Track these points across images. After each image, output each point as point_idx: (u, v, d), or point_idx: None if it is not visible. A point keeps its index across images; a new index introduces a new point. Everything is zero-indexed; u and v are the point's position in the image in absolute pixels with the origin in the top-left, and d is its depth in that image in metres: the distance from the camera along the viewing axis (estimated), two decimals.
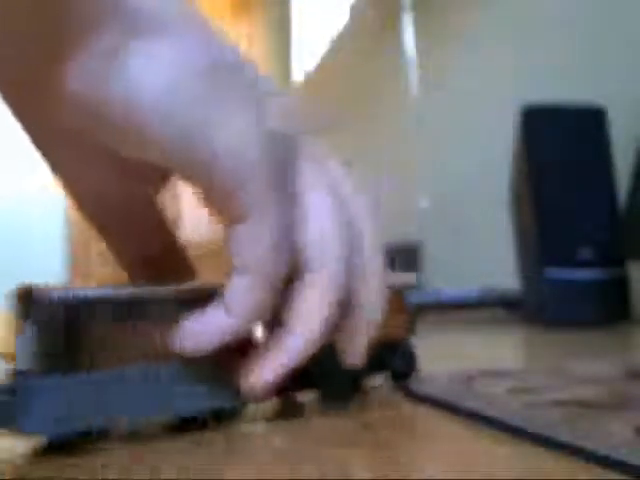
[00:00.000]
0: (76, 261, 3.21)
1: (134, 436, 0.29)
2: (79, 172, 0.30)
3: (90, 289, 0.27)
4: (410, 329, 0.38)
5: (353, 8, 2.24)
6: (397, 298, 0.37)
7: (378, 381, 0.38)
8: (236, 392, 0.29)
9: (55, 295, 0.26)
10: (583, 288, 0.77)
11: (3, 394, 0.25)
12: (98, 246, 3.14)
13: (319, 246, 0.29)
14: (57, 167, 0.30)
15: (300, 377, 0.31)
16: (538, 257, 0.79)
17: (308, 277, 0.29)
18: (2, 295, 0.37)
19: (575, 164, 0.81)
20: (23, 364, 0.26)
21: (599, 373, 0.38)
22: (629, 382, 0.35)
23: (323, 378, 0.34)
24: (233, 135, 0.26)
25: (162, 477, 0.22)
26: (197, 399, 0.29)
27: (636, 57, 0.92)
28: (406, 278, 0.38)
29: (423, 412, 0.32)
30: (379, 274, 0.30)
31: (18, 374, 0.26)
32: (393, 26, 1.84)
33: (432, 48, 1.64)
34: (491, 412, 0.28)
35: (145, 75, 0.25)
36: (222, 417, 0.30)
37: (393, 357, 0.37)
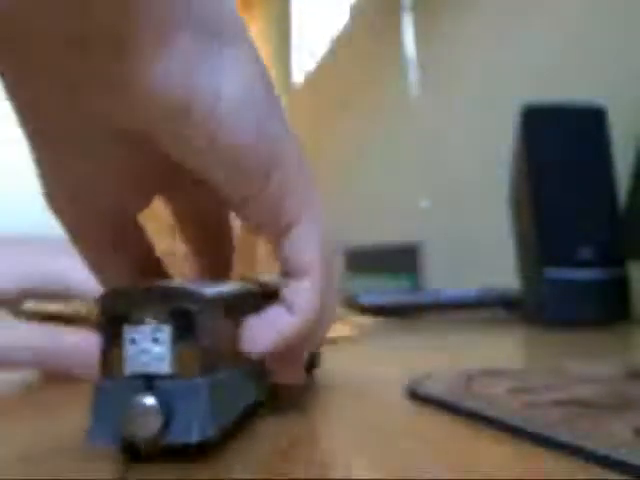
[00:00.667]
0: None
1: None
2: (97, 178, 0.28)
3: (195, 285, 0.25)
4: None
5: (353, 8, 2.24)
6: None
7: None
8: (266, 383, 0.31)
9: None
10: (583, 288, 0.77)
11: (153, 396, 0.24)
12: None
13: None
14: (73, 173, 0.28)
15: None
16: (538, 257, 0.79)
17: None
18: None
19: (575, 164, 0.81)
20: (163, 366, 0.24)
21: (599, 373, 0.38)
22: (629, 382, 0.35)
23: None
24: (293, 148, 0.28)
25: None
26: (257, 392, 0.31)
27: (636, 57, 0.92)
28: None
29: (423, 412, 0.32)
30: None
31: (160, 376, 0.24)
32: (393, 26, 1.84)
33: (432, 48, 1.64)
34: (491, 412, 0.28)
35: (228, 82, 0.26)
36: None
37: None
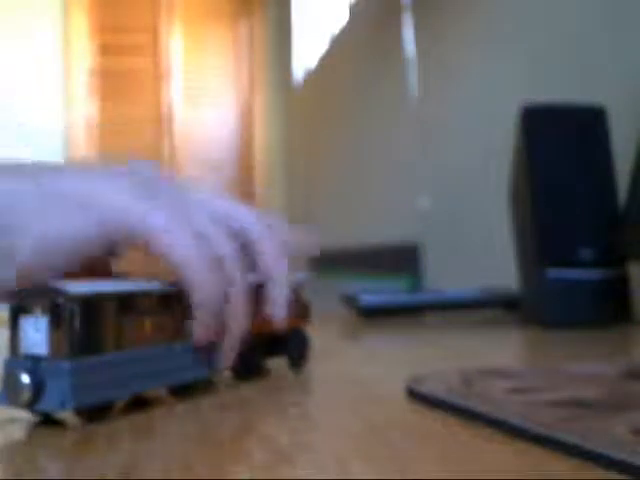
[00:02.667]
0: None
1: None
2: None
3: (96, 285, 0.32)
4: (305, 319, 0.47)
5: (353, 8, 2.24)
6: (294, 292, 0.46)
7: (277, 364, 0.47)
8: (210, 365, 0.38)
9: (72, 289, 0.31)
10: (583, 288, 0.77)
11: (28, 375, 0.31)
12: None
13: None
14: None
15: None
16: (538, 257, 0.79)
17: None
18: None
19: (575, 164, 0.81)
20: (37, 348, 0.31)
21: (599, 373, 0.38)
22: (629, 382, 0.35)
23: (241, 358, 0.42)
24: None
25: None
26: (182, 372, 0.37)
27: (636, 57, 0.92)
28: (301, 276, 0.46)
29: (423, 412, 0.32)
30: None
31: (37, 358, 0.31)
32: (393, 26, 1.84)
33: (432, 48, 1.64)
34: (491, 412, 0.28)
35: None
36: (199, 387, 0.39)
37: (290, 343, 0.46)
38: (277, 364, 0.49)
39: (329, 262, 2.44)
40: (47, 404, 0.31)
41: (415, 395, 0.35)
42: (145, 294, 0.35)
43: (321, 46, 2.64)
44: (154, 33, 3.44)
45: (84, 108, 3.34)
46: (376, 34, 2.02)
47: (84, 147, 3.26)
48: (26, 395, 0.31)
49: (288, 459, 0.25)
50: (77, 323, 0.31)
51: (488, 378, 0.37)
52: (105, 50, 3.39)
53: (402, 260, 1.72)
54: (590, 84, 1.02)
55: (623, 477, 0.21)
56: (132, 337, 0.34)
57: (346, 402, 0.35)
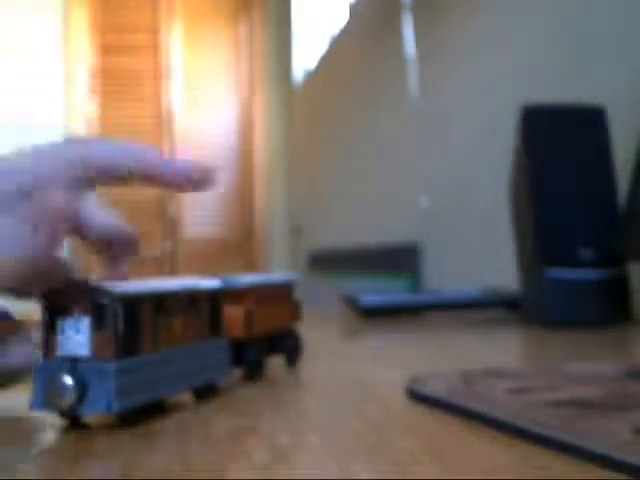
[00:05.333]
0: (76, 259, 3.21)
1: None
2: None
3: (132, 285, 0.32)
4: (296, 317, 0.48)
5: (353, 8, 2.24)
6: (285, 291, 0.46)
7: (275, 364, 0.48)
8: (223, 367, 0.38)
9: (114, 289, 0.31)
10: (583, 288, 0.77)
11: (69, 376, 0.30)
12: None
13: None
14: None
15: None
16: (538, 257, 0.79)
17: None
18: None
19: (575, 164, 0.81)
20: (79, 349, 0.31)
21: (599, 373, 0.38)
22: (629, 382, 0.35)
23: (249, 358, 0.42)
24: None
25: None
26: (208, 373, 0.37)
27: (636, 57, 0.92)
28: (285, 276, 0.47)
29: (423, 412, 0.32)
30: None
31: (81, 360, 0.31)
32: (393, 26, 1.84)
33: (432, 48, 1.64)
34: (491, 412, 0.28)
35: None
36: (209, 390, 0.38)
37: (284, 342, 0.46)
38: (276, 364, 0.49)
39: (329, 262, 2.44)
40: (92, 407, 0.30)
41: (415, 395, 0.35)
42: (177, 294, 0.35)
43: (321, 46, 2.64)
44: (154, 33, 3.45)
45: (84, 108, 3.34)
46: (376, 34, 2.02)
47: None
48: (69, 398, 0.29)
49: (288, 459, 0.25)
50: (121, 324, 0.30)
51: (488, 378, 0.37)
52: (105, 50, 3.39)
53: (402, 260, 1.72)
54: (590, 84, 1.02)
55: (623, 477, 0.21)
56: (165, 337, 0.34)
57: (346, 402, 0.35)
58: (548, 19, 1.17)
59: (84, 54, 3.37)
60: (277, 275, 0.46)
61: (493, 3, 1.37)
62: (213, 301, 0.38)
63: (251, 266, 3.39)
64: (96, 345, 0.30)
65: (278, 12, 3.43)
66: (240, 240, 3.42)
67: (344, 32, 2.35)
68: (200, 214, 3.31)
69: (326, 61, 2.58)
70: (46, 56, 3.31)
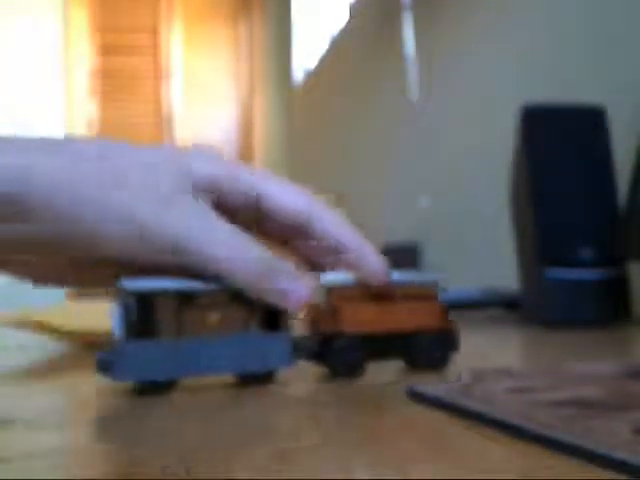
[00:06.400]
0: None
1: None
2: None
3: (159, 281, 0.37)
4: (444, 319, 0.45)
5: (353, 8, 2.24)
6: (430, 292, 0.44)
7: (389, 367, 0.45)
8: (271, 358, 0.40)
9: (132, 285, 0.36)
10: (583, 288, 0.77)
11: (105, 353, 0.37)
12: None
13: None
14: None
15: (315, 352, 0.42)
16: (538, 257, 0.79)
17: None
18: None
19: (575, 164, 0.81)
20: (118, 332, 0.37)
21: (599, 373, 0.38)
22: (629, 382, 0.35)
23: (333, 354, 0.42)
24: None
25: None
26: (244, 362, 0.39)
27: (636, 57, 0.92)
28: (435, 276, 0.45)
29: (423, 412, 0.32)
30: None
31: (115, 340, 0.37)
32: (393, 26, 1.84)
33: (432, 48, 1.64)
34: (491, 412, 0.28)
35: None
36: (258, 379, 0.40)
37: (413, 344, 0.44)
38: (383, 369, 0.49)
39: None
40: (114, 377, 0.37)
41: (415, 395, 0.35)
42: (210, 291, 0.38)
43: (321, 46, 2.64)
44: (154, 33, 3.45)
45: (84, 108, 3.34)
46: (376, 34, 2.02)
47: None
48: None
49: (288, 459, 0.25)
50: (134, 315, 0.36)
51: (488, 378, 0.37)
52: (105, 50, 3.39)
53: (402, 260, 1.72)
54: (590, 84, 1.02)
55: (623, 477, 0.21)
56: (192, 328, 0.38)
57: (346, 402, 0.35)
58: (548, 19, 1.17)
59: (84, 54, 3.37)
60: (413, 274, 0.45)
61: (493, 3, 1.37)
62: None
63: None
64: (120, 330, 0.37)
65: (278, 12, 3.43)
66: None
67: (344, 32, 2.35)
68: None
69: (326, 61, 2.58)
70: (46, 56, 3.31)
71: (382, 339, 0.43)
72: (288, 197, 0.40)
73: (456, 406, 0.31)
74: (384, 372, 0.45)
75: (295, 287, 0.37)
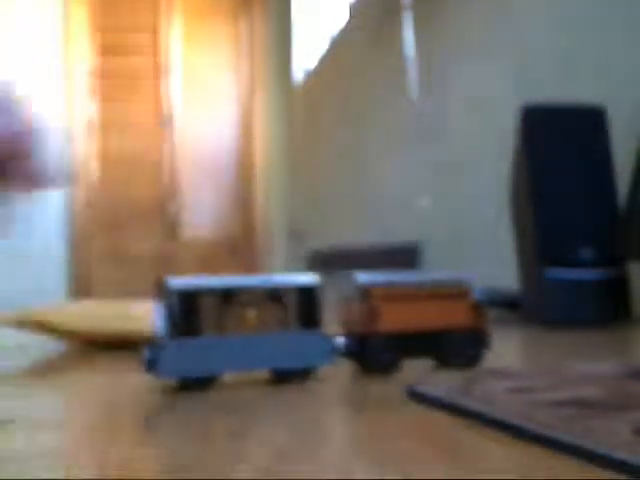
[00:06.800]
0: (76, 259, 3.21)
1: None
2: None
3: (200, 279, 0.39)
4: (476, 318, 0.46)
5: (353, 8, 2.24)
6: (462, 291, 0.46)
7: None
8: (307, 357, 0.41)
9: (175, 284, 0.38)
10: (583, 288, 0.77)
11: (151, 351, 0.38)
12: (98, 245, 3.13)
13: None
14: None
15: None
16: (538, 257, 0.79)
17: None
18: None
19: (575, 164, 0.81)
20: (162, 331, 0.38)
21: (599, 373, 0.38)
22: (629, 382, 0.35)
23: (370, 353, 0.43)
24: None
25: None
26: (283, 360, 0.40)
27: (636, 57, 0.92)
28: (467, 275, 0.48)
29: (424, 412, 0.32)
30: None
31: (158, 338, 0.38)
32: (393, 26, 1.84)
33: (432, 48, 1.64)
34: (491, 412, 0.28)
35: None
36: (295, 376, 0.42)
37: (460, 343, 0.45)
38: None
39: (329, 262, 2.44)
40: (158, 373, 0.39)
41: (415, 395, 0.35)
42: (252, 288, 0.40)
43: (321, 46, 2.64)
44: (154, 32, 3.45)
45: (84, 108, 3.34)
46: (376, 34, 2.02)
47: (84, 146, 3.26)
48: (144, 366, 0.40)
49: (288, 459, 0.25)
50: (177, 313, 0.39)
51: (488, 378, 0.37)
52: (105, 50, 3.39)
53: (402, 260, 1.71)
54: (590, 84, 1.02)
55: (623, 477, 0.21)
56: (234, 325, 0.40)
57: (346, 402, 0.35)
58: (548, 19, 1.17)
59: (84, 54, 3.37)
60: (445, 274, 0.46)
61: (493, 4, 1.37)
62: (305, 296, 0.41)
63: (251, 266, 3.39)
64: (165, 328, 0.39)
65: (278, 11, 3.43)
66: (240, 240, 3.42)
67: (344, 32, 2.34)
68: (200, 214, 3.31)
69: (326, 61, 2.58)
70: (46, 56, 3.31)
71: (415, 338, 0.44)
72: None
73: (456, 406, 0.31)
74: (415, 370, 0.45)
75: None
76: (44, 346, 0.65)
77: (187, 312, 0.38)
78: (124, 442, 0.28)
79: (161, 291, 0.38)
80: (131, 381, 0.42)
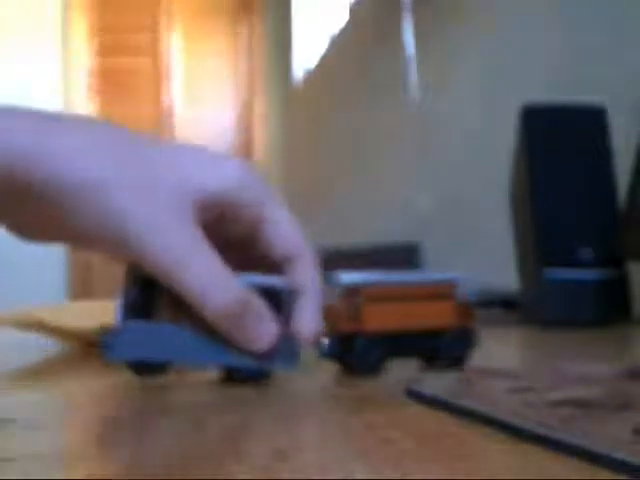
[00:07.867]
0: (76, 260, 3.21)
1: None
2: None
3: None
4: (462, 318, 0.46)
5: (353, 8, 2.24)
6: (448, 291, 0.45)
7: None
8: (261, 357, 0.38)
9: (135, 269, 0.37)
10: (583, 288, 0.77)
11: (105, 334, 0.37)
12: None
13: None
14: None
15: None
16: (538, 257, 0.79)
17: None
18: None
19: (575, 164, 0.81)
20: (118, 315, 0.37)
21: (599, 373, 0.38)
22: (629, 382, 0.35)
23: (354, 354, 0.42)
24: None
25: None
26: (232, 359, 0.38)
27: (636, 57, 0.92)
28: (454, 275, 0.46)
29: (423, 412, 0.32)
30: None
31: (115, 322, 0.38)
32: (393, 26, 1.84)
33: (432, 48, 1.64)
34: (491, 412, 0.28)
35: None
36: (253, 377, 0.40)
37: (446, 343, 0.44)
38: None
39: (329, 262, 2.44)
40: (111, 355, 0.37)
41: (415, 395, 0.35)
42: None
43: (321, 46, 2.64)
44: (154, 33, 3.45)
45: (84, 108, 3.34)
46: (376, 34, 2.02)
47: None
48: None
49: (288, 459, 0.25)
50: (132, 299, 0.38)
51: (488, 378, 0.37)
52: (105, 50, 3.39)
53: (402, 260, 1.71)
54: (590, 84, 1.02)
55: (623, 477, 0.21)
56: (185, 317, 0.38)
57: (346, 402, 0.35)
58: (548, 19, 1.17)
59: (84, 54, 3.37)
60: (432, 274, 0.45)
61: (493, 3, 1.37)
62: (273, 298, 0.38)
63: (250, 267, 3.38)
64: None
65: (278, 12, 3.43)
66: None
67: (344, 32, 2.34)
68: None
69: (326, 61, 2.58)
70: (46, 56, 3.31)
71: (401, 338, 0.44)
72: (287, 230, 0.40)
73: (455, 406, 0.31)
74: (383, 372, 0.45)
75: (262, 331, 0.35)
76: (44, 346, 0.65)
77: (143, 296, 0.37)
78: (124, 442, 0.28)
79: (124, 276, 0.38)
80: (131, 381, 0.42)
